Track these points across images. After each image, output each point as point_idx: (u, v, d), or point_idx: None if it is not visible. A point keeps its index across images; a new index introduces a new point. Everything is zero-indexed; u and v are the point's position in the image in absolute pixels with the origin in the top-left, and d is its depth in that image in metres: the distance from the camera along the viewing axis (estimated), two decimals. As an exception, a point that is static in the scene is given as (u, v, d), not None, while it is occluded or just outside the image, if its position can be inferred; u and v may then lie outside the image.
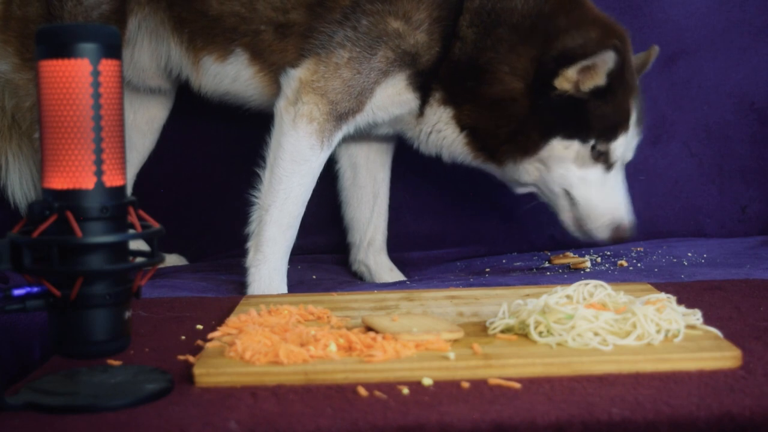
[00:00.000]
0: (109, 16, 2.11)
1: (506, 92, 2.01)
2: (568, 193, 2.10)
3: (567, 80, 1.98)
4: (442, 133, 2.13)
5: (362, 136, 2.27)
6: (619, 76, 2.00)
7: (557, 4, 2.03)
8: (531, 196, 2.22)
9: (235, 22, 2.08)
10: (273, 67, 2.09)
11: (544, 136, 2.03)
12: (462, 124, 2.09)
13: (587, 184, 2.08)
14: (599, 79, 1.98)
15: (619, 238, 2.10)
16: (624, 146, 2.08)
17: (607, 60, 1.95)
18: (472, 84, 2.04)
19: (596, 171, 2.07)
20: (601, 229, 2.09)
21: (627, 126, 2.06)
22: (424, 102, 2.09)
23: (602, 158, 2.07)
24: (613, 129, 2.05)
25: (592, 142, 2.04)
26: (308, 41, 2.03)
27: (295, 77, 2.02)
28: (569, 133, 2.03)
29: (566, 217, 2.13)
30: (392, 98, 2.06)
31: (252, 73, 2.12)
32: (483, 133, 2.08)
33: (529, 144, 2.04)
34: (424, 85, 2.06)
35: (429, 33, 2.01)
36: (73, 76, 1.13)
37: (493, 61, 2.01)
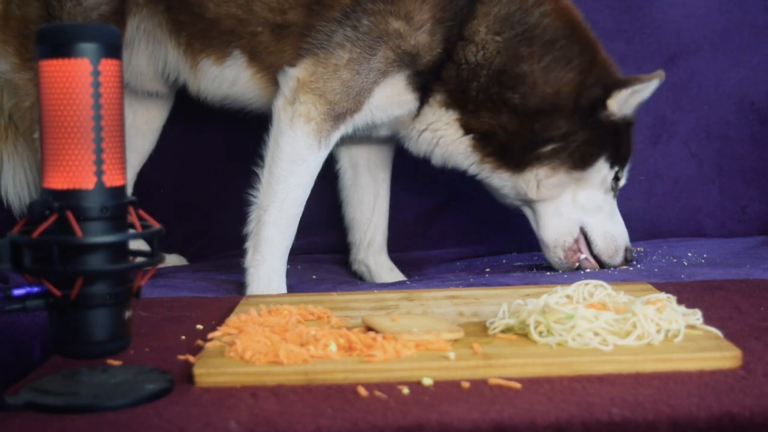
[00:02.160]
0: (108, 17, 2.11)
1: (550, 106, 2.05)
2: (582, 229, 2.13)
3: (618, 102, 2.06)
4: (439, 133, 2.12)
5: (362, 138, 2.27)
6: None
7: (576, 36, 2.09)
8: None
9: (232, 24, 2.08)
10: (271, 69, 2.09)
11: (596, 154, 2.09)
12: (470, 127, 2.09)
13: (602, 214, 2.14)
14: (633, 106, 2.10)
15: (629, 261, 2.17)
16: (626, 173, 2.19)
17: (653, 87, 2.07)
18: (498, 91, 2.04)
19: (609, 199, 2.16)
20: (616, 256, 2.14)
21: (631, 155, 2.18)
22: (422, 103, 2.09)
23: (614, 185, 2.15)
24: (628, 157, 2.16)
25: (616, 168, 2.13)
26: (306, 40, 2.02)
27: (293, 76, 2.02)
28: (608, 156, 2.11)
29: (560, 246, 2.13)
30: (391, 99, 2.05)
31: (250, 75, 2.12)
32: (505, 140, 2.07)
33: (583, 159, 2.08)
34: (424, 86, 2.06)
35: (431, 34, 2.01)
36: (74, 75, 1.13)
37: (530, 74, 2.04)
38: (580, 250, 2.14)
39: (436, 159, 2.18)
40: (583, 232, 2.14)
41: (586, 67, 2.07)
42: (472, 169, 2.15)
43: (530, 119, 2.05)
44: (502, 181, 2.14)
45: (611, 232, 2.14)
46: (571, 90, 2.06)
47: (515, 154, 2.08)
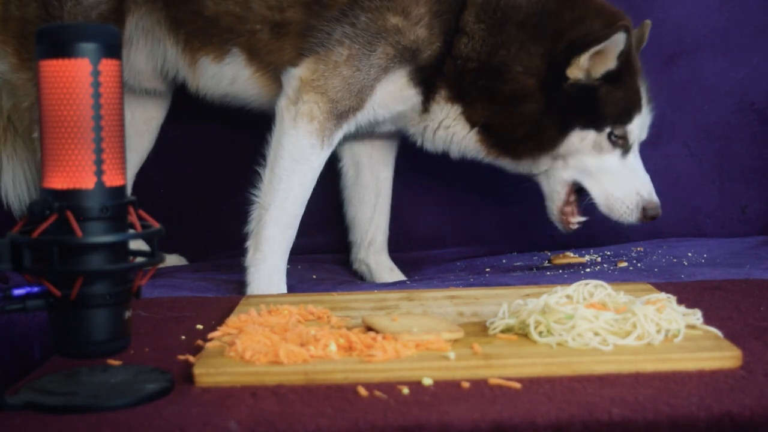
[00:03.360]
0: (108, 16, 2.11)
1: (520, 90, 2.02)
2: (580, 185, 2.12)
3: (579, 68, 1.99)
4: (451, 130, 2.13)
5: (365, 135, 2.27)
6: (627, 59, 2.01)
7: (561, 1, 2.04)
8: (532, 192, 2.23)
9: (231, 22, 2.07)
10: (271, 67, 2.09)
11: (562, 131, 2.05)
12: (472, 121, 2.09)
13: (604, 171, 2.09)
14: (610, 63, 2.00)
15: (649, 218, 2.09)
16: (640, 127, 2.10)
17: (618, 42, 1.97)
18: (484, 83, 2.04)
19: (614, 157, 2.08)
20: (628, 213, 2.08)
21: (640, 106, 2.08)
22: (427, 98, 2.08)
23: (620, 142, 2.07)
24: (628, 112, 2.06)
25: (608, 129, 2.06)
26: (307, 40, 2.02)
27: (295, 76, 2.02)
28: (585, 124, 2.04)
29: (553, 202, 2.15)
30: (393, 95, 2.05)
31: (250, 74, 2.12)
32: (498, 131, 2.09)
33: (547, 140, 2.06)
34: (427, 81, 2.06)
35: (429, 28, 2.00)
36: (73, 76, 1.13)
37: (505, 60, 2.01)
38: (573, 214, 2.15)
39: (454, 154, 2.19)
40: (579, 189, 2.13)
41: (556, 35, 2.01)
42: (486, 161, 2.17)
43: (511, 106, 2.04)
44: (507, 166, 2.17)
45: (614, 193, 2.09)
46: (538, 64, 2.01)
47: (509, 146, 2.10)
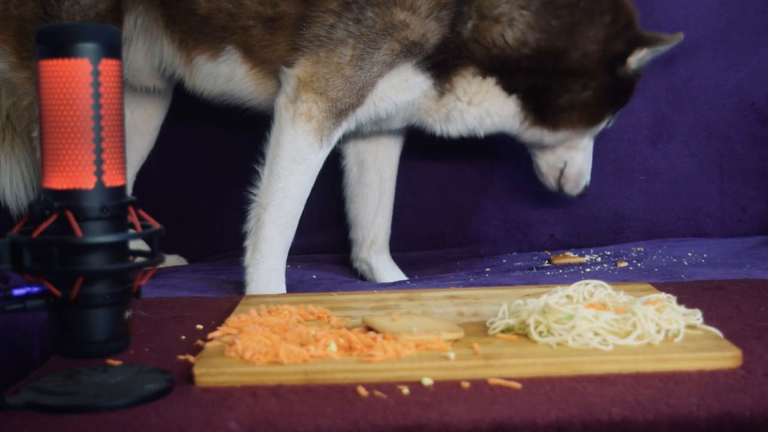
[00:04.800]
0: (106, 15, 2.10)
1: (583, 69, 2.08)
2: (566, 160, 2.25)
3: (637, 59, 2.11)
4: (485, 104, 2.10)
5: (373, 133, 2.25)
6: None
7: None
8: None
9: (224, 19, 2.06)
10: (266, 64, 2.07)
11: (610, 109, 2.17)
12: (512, 88, 2.08)
13: (584, 152, 2.26)
14: (648, 61, 2.15)
15: (581, 195, 2.32)
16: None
17: (671, 46, 2.14)
18: (534, 65, 2.05)
19: (590, 140, 2.27)
20: (581, 187, 2.29)
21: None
22: (442, 80, 2.04)
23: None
24: (626, 103, 2.23)
25: (611, 116, 2.21)
26: (302, 34, 2.00)
27: (293, 75, 2.00)
28: (618, 107, 2.20)
29: (551, 175, 2.29)
30: (398, 86, 2.02)
31: (245, 71, 2.11)
32: (545, 100, 2.11)
33: (598, 116, 2.16)
34: (437, 64, 2.02)
35: (438, 19, 1.97)
36: (73, 76, 1.13)
37: (568, 45, 2.05)
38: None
39: (486, 130, 2.17)
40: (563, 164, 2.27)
41: (609, 22, 2.08)
42: (516, 131, 2.17)
43: (563, 79, 2.08)
44: (536, 137, 2.19)
45: (583, 169, 2.27)
46: (597, 48, 2.08)
47: (551, 114, 2.13)
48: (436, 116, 2.13)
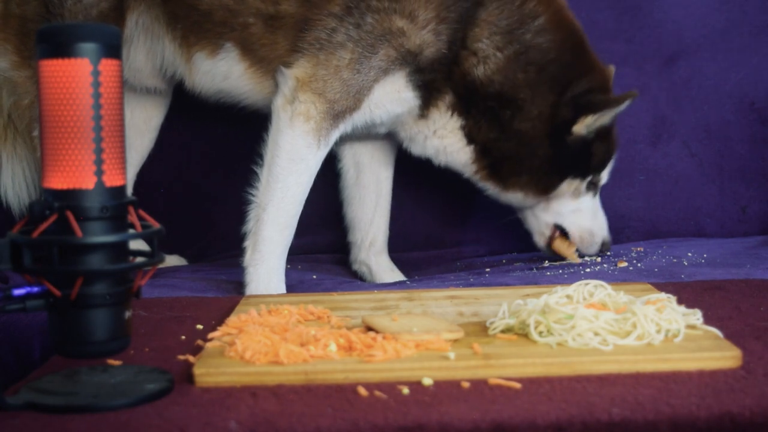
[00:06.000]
0: (108, 14, 2.11)
1: (531, 131, 2.10)
2: (558, 225, 2.25)
3: (585, 125, 2.10)
4: (446, 141, 2.16)
5: (364, 136, 2.27)
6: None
7: (569, 49, 2.11)
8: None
9: (225, 16, 2.06)
10: (264, 63, 2.07)
11: (559, 178, 2.17)
12: (472, 137, 2.13)
13: (580, 213, 2.24)
14: (607, 121, 2.13)
15: (603, 252, 2.29)
16: (608, 172, 2.26)
17: (622, 107, 2.10)
18: (497, 107, 2.08)
19: (587, 199, 2.24)
20: (594, 246, 2.27)
21: (614, 154, 2.24)
22: (426, 104, 2.09)
23: (593, 187, 2.24)
24: (606, 161, 2.22)
25: (589, 177, 2.20)
26: (303, 36, 2.01)
27: (291, 76, 2.01)
28: (576, 173, 2.18)
29: (540, 240, 2.29)
30: (391, 96, 2.05)
31: (243, 69, 2.11)
32: (497, 157, 2.14)
33: (545, 184, 2.17)
34: (427, 85, 2.06)
35: (436, 33, 2.01)
36: (74, 75, 1.13)
37: (525, 99, 2.08)
38: (569, 247, 2.27)
39: (440, 162, 2.23)
40: (562, 230, 2.26)
41: (563, 87, 2.10)
42: (469, 176, 2.22)
43: (517, 141, 2.11)
44: (491, 191, 2.24)
45: (588, 228, 2.25)
46: (548, 113, 2.10)
47: (504, 173, 2.16)
48: (408, 132, 2.19)
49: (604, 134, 2.16)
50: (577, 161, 2.16)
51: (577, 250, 2.27)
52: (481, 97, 2.07)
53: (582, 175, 2.19)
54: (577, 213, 2.24)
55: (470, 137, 2.13)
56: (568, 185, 2.18)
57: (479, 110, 2.09)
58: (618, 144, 2.26)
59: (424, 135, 2.16)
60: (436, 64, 2.03)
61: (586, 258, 2.32)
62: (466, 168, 2.19)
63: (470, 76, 2.06)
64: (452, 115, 2.11)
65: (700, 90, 2.64)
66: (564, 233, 2.26)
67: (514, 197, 2.21)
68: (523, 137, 2.10)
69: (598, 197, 2.28)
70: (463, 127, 2.12)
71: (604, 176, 2.26)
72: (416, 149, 2.21)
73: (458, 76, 2.06)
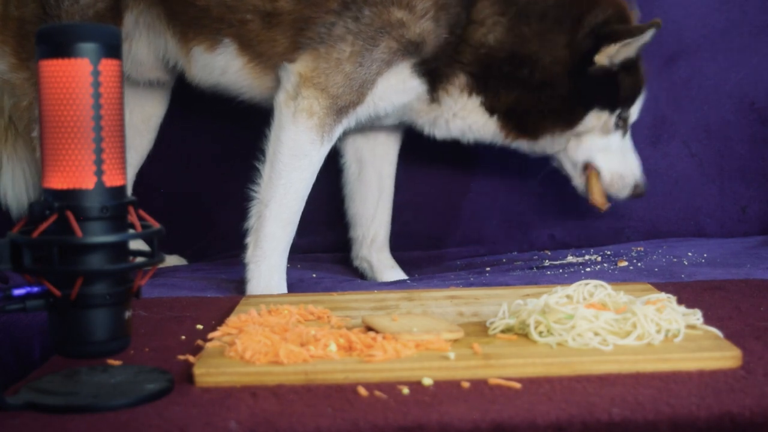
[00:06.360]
0: (105, 14, 2.11)
1: (549, 77, 2.08)
2: (588, 163, 2.22)
3: (607, 56, 2.08)
4: (468, 120, 2.15)
5: (369, 128, 2.26)
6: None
7: None
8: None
9: (222, 12, 2.06)
10: (262, 58, 2.07)
11: (584, 111, 2.14)
12: (494, 109, 2.12)
13: (610, 152, 2.22)
14: (632, 53, 2.10)
15: (636, 195, 2.26)
16: (638, 110, 2.23)
17: (647, 36, 2.07)
18: (511, 70, 2.07)
19: (617, 137, 2.22)
20: (624, 189, 2.24)
21: (642, 90, 2.21)
22: (434, 87, 2.08)
23: (622, 124, 2.21)
24: (634, 96, 2.19)
25: (618, 111, 2.17)
26: (303, 32, 2.01)
27: (294, 71, 2.01)
28: (602, 105, 2.15)
29: (579, 182, 2.26)
30: (396, 87, 2.04)
31: (241, 65, 2.11)
32: (522, 115, 2.13)
33: (570, 119, 2.15)
34: (433, 71, 2.05)
35: (435, 20, 2.00)
36: (73, 76, 1.14)
37: (534, 52, 2.06)
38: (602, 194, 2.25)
39: (468, 140, 2.22)
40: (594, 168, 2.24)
41: (575, 24, 2.08)
42: (500, 143, 2.21)
43: (539, 91, 2.09)
44: (524, 147, 2.22)
45: (617, 170, 2.22)
46: (565, 53, 2.08)
47: (530, 127, 2.15)
48: (426, 118, 2.17)
49: (629, 66, 2.13)
50: (603, 93, 2.14)
51: (609, 199, 2.25)
52: (496, 66, 2.06)
53: (610, 108, 2.15)
54: (606, 151, 2.21)
55: (492, 109, 2.12)
56: (596, 118, 2.15)
57: (496, 79, 2.08)
58: (646, 79, 2.23)
59: (445, 119, 2.16)
60: (440, 50, 2.03)
61: (586, 258, 2.32)
62: (495, 137, 2.19)
63: (483, 47, 2.04)
64: (469, 95, 2.10)
65: (700, 90, 2.64)
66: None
67: (545, 144, 2.19)
68: (545, 86, 2.09)
69: (629, 138, 2.25)
70: (483, 103, 2.12)
71: (634, 113, 2.22)
72: (440, 133, 2.20)
73: (469, 53, 2.05)
